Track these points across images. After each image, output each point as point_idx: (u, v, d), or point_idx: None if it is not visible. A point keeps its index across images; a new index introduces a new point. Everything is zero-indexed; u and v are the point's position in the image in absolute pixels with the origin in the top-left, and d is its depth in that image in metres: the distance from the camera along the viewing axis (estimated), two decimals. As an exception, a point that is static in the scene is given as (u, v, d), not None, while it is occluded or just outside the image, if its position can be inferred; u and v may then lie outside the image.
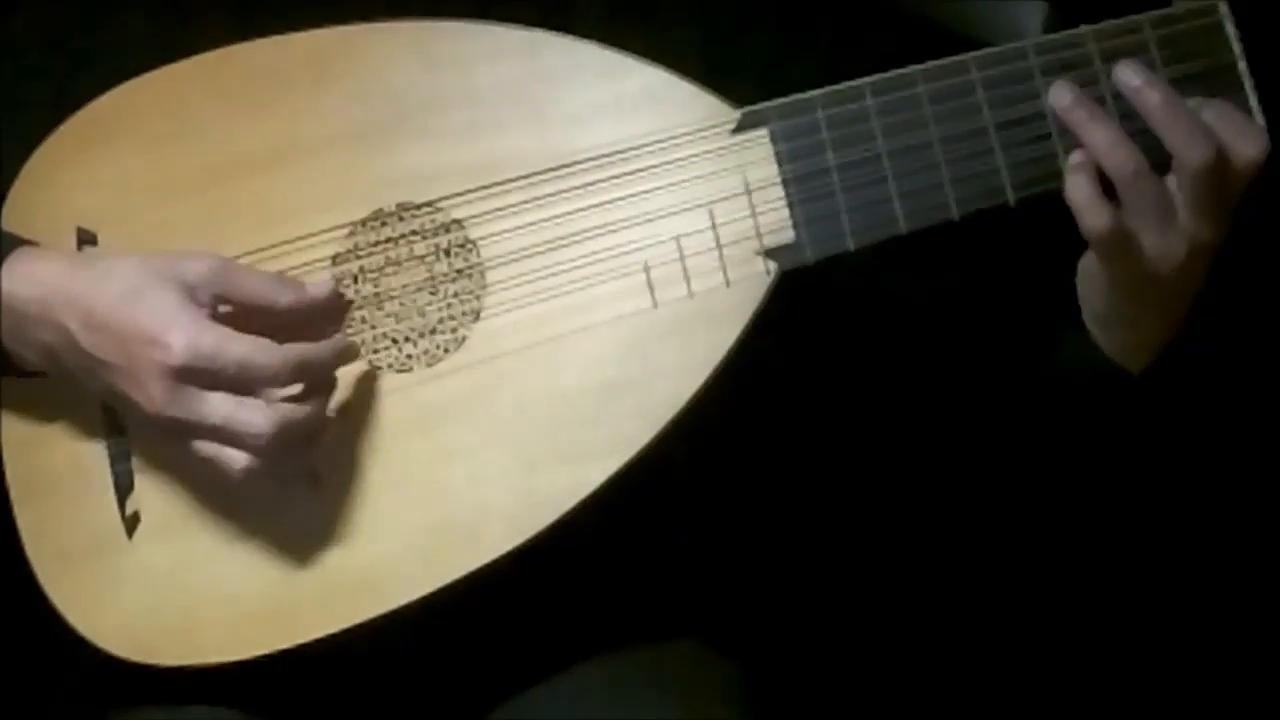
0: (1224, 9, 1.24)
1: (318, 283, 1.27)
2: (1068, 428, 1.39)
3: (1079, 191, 1.22)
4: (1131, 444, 1.43)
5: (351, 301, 1.29)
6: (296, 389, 1.23)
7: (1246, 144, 1.21)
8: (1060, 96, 1.24)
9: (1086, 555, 1.78)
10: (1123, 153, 1.21)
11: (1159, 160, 1.22)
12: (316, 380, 1.25)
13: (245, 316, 1.24)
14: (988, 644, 1.78)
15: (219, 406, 1.21)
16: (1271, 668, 1.77)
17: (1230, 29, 1.24)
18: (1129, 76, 1.23)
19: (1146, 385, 1.30)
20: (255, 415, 1.21)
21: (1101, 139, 1.22)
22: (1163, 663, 1.79)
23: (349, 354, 1.27)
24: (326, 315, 1.27)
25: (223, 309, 1.24)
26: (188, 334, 1.21)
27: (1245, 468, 1.75)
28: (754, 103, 1.28)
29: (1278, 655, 1.78)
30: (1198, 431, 1.57)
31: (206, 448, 1.22)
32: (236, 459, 1.22)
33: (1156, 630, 1.79)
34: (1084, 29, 1.24)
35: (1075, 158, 1.23)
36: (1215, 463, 1.73)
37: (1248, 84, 1.24)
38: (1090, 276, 1.28)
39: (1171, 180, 1.22)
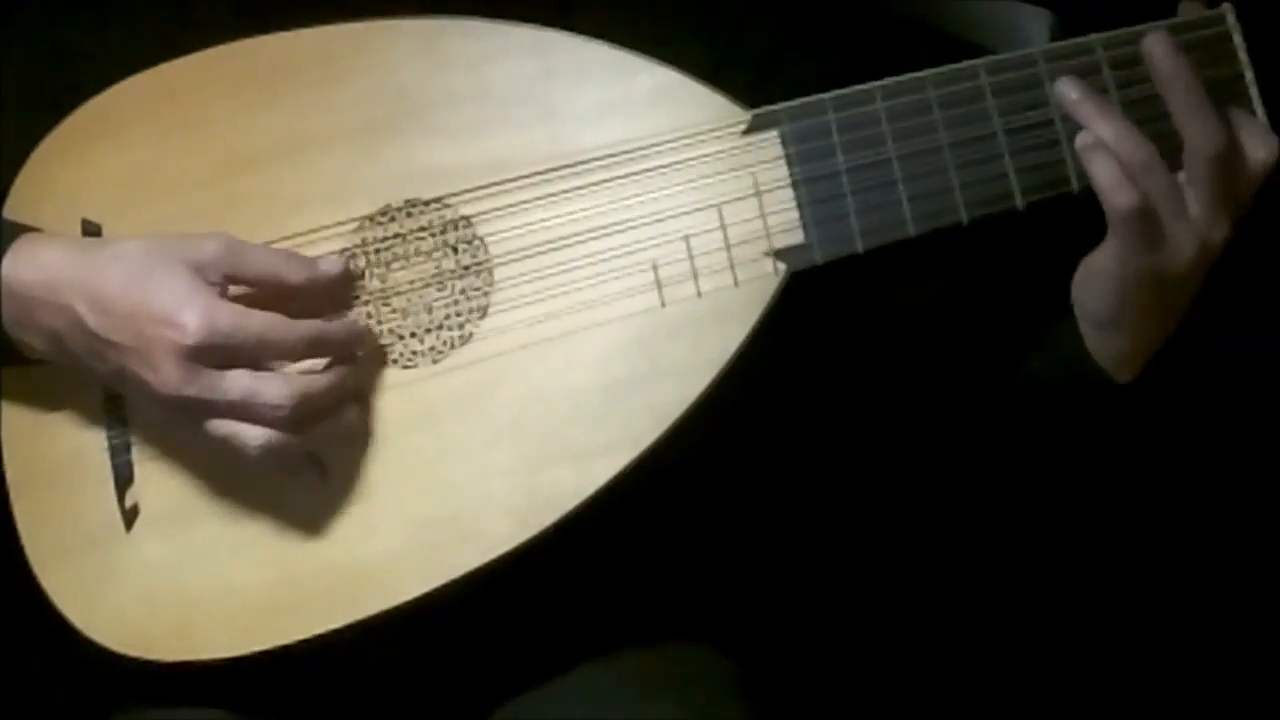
0: (1231, 19, 1.25)
1: (328, 259, 1.27)
2: (1048, 431, 1.40)
3: (1105, 169, 1.23)
4: (1112, 449, 1.43)
5: (362, 275, 1.29)
6: (312, 363, 1.23)
7: (1258, 146, 1.23)
8: (1067, 91, 1.25)
9: (1083, 556, 1.79)
10: (1134, 141, 1.23)
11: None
12: (332, 354, 1.24)
13: (254, 297, 1.24)
14: (987, 644, 1.79)
15: (237, 381, 1.20)
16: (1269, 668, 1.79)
17: (1238, 39, 1.25)
18: (1160, 57, 1.23)
19: (1132, 396, 1.31)
20: (274, 387, 1.20)
21: (1112, 131, 1.23)
22: (1162, 663, 1.80)
23: (363, 338, 1.27)
24: (337, 294, 1.27)
25: (233, 290, 1.23)
26: (202, 313, 1.20)
27: (1227, 476, 1.77)
28: (753, 102, 1.28)
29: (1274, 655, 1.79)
30: (1179, 440, 1.58)
31: (222, 427, 1.21)
32: (254, 436, 1.21)
33: (1155, 631, 1.80)
34: (1093, 37, 1.26)
35: (1085, 138, 1.24)
36: (1196, 468, 1.75)
37: (1254, 93, 1.25)
38: (1095, 277, 1.27)
39: (1182, 175, 1.23)
